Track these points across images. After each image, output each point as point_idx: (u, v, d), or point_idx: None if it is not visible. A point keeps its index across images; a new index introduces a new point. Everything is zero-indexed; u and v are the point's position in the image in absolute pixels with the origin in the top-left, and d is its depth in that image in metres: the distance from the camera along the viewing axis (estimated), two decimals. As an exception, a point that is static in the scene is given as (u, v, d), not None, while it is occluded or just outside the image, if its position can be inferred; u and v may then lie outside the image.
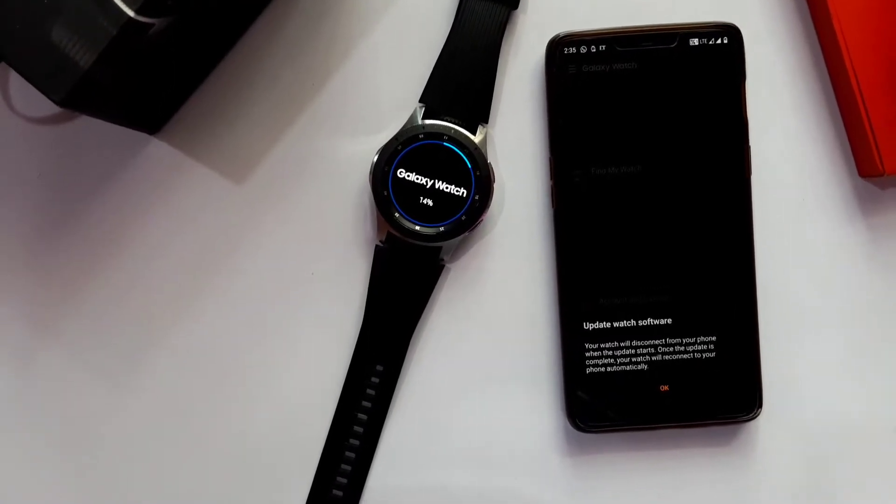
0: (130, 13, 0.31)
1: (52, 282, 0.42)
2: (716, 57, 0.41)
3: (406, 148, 0.40)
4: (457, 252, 0.42)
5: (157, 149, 0.42)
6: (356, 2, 0.42)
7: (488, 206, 0.40)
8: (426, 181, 0.40)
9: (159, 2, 0.32)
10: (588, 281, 0.41)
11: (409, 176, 0.40)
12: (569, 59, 0.41)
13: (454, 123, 0.40)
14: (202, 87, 0.42)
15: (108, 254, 0.42)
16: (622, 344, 0.41)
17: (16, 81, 0.41)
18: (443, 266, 0.41)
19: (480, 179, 0.40)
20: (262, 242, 0.42)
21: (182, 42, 0.36)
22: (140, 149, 0.42)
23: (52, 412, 0.42)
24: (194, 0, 0.34)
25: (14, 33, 0.31)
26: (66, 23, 0.31)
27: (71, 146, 0.42)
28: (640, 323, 0.41)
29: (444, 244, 0.41)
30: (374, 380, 0.42)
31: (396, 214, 0.40)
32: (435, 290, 0.42)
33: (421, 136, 0.40)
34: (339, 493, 0.42)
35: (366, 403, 0.42)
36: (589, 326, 0.41)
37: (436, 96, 0.41)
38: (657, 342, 0.41)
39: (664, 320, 0.41)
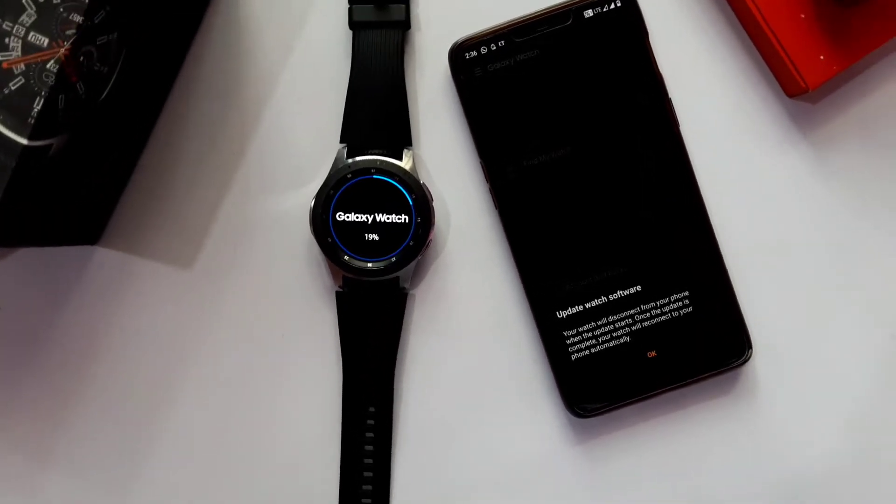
0: (23, 141, 0.31)
1: (38, 411, 0.42)
2: (614, 22, 0.41)
3: (338, 190, 0.40)
4: (416, 277, 0.42)
5: (103, 256, 0.42)
6: (254, 64, 0.42)
7: (433, 226, 0.40)
8: (366, 217, 0.40)
9: (49, 123, 0.32)
10: (550, 271, 0.41)
11: (348, 217, 0.40)
12: (472, 62, 0.41)
13: (379, 154, 0.41)
14: (130, 187, 0.42)
15: (84, 370, 0.42)
16: (599, 323, 0.41)
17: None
18: (406, 294, 0.41)
19: (418, 202, 0.40)
20: (226, 318, 0.42)
21: (90, 151, 0.36)
22: (86, 261, 0.42)
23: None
24: (86, 113, 0.34)
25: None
26: (-37, 167, 0.31)
27: (19, 275, 0.42)
28: (611, 297, 0.41)
29: (401, 273, 0.41)
30: (370, 422, 0.42)
31: (346, 257, 0.40)
32: (405, 319, 0.42)
33: (349, 175, 0.40)
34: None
35: (368, 447, 0.42)
36: (562, 314, 0.41)
37: (355, 133, 0.41)
38: (632, 311, 0.41)
39: (633, 289, 0.41)
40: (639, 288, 0.41)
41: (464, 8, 0.42)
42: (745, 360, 0.41)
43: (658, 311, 0.41)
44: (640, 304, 0.41)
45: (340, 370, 0.42)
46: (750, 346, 0.41)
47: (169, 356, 0.42)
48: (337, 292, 0.41)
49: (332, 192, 0.40)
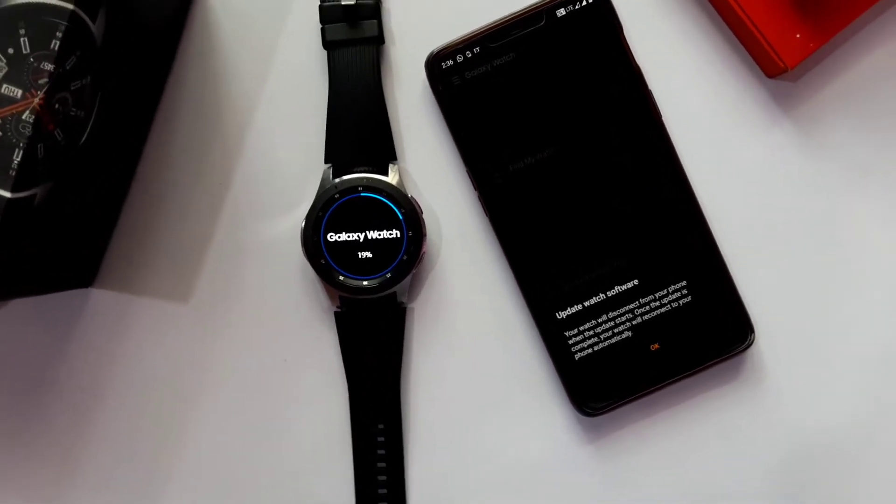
0: (7, 194, 0.31)
1: (45, 459, 0.42)
2: (587, 19, 0.41)
3: (327, 211, 0.40)
4: (412, 290, 0.42)
5: (98, 298, 0.42)
6: (231, 92, 0.42)
7: (425, 238, 0.40)
8: (358, 236, 0.40)
9: (31, 173, 0.32)
10: (546, 272, 0.41)
11: (339, 237, 0.40)
12: (449, 71, 0.41)
13: (365, 172, 0.41)
14: (119, 225, 0.42)
15: (89, 414, 0.42)
16: (599, 320, 0.41)
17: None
18: (404, 309, 0.41)
19: (407, 216, 0.40)
20: (227, 348, 0.42)
21: (76, 195, 0.36)
22: (82, 304, 0.42)
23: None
24: (67, 159, 0.34)
25: None
26: (-52, 226, 0.31)
27: (15, 324, 0.42)
28: (609, 294, 0.41)
29: (397, 288, 0.41)
30: (380, 439, 0.42)
31: (341, 277, 0.40)
32: (406, 333, 0.42)
33: (336, 195, 0.40)
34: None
35: (381, 464, 0.42)
36: (562, 315, 0.41)
37: (338, 152, 0.41)
38: (632, 306, 0.41)
39: (630, 283, 0.41)
40: (636, 282, 0.41)
41: (436, 18, 0.42)
42: (749, 345, 0.41)
43: (657, 304, 0.41)
44: (639, 298, 0.41)
45: (346, 390, 0.42)
46: (752, 331, 0.41)
47: (173, 391, 0.42)
48: (335, 312, 0.41)
49: (320, 213, 0.40)
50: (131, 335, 0.42)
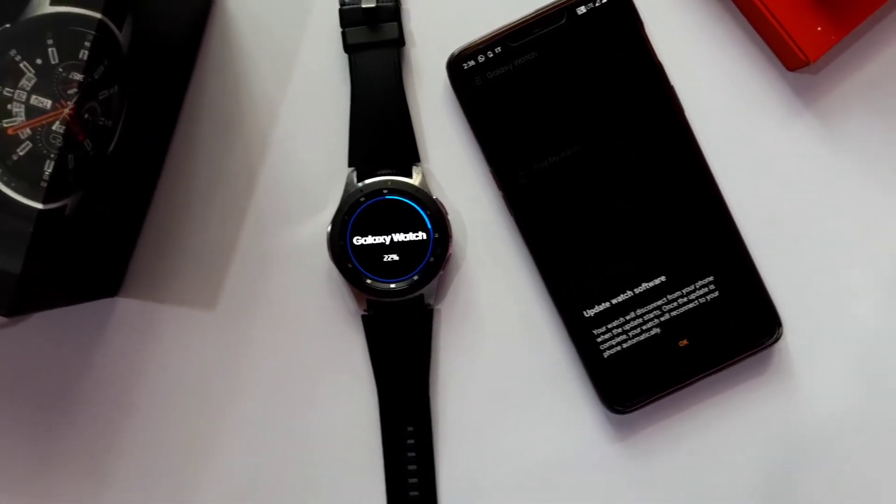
0: (39, 206, 0.31)
1: (75, 468, 0.42)
2: (608, 16, 0.40)
3: (353, 215, 0.40)
4: (439, 292, 0.42)
5: (124, 307, 0.42)
6: (253, 98, 0.42)
7: (451, 239, 0.40)
8: (384, 239, 0.40)
9: (61, 184, 0.32)
10: (572, 271, 0.41)
11: (366, 240, 0.40)
12: (471, 72, 0.41)
13: (389, 174, 0.41)
14: (144, 233, 0.42)
15: (117, 422, 0.42)
16: (627, 317, 0.41)
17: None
18: (431, 310, 0.41)
19: (433, 217, 0.40)
20: (254, 354, 0.42)
21: (103, 205, 0.36)
22: (108, 313, 0.42)
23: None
24: (96, 168, 0.34)
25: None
26: (-19, 239, 0.31)
27: (42, 334, 0.42)
28: (637, 291, 0.41)
29: (424, 290, 0.40)
30: (410, 441, 0.42)
31: (368, 281, 0.40)
32: (433, 335, 0.41)
33: (362, 199, 0.40)
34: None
35: (411, 466, 0.42)
36: (589, 313, 0.41)
37: (362, 156, 0.41)
38: (659, 302, 0.41)
39: (658, 280, 0.41)
40: (663, 278, 0.41)
41: (455, 19, 0.42)
42: (777, 339, 0.41)
43: (685, 300, 0.41)
44: (667, 294, 0.41)
45: (375, 393, 0.42)
46: (780, 324, 0.41)
47: (201, 398, 0.42)
48: (363, 316, 0.41)
49: (346, 217, 0.40)
50: (158, 343, 0.42)
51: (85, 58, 0.31)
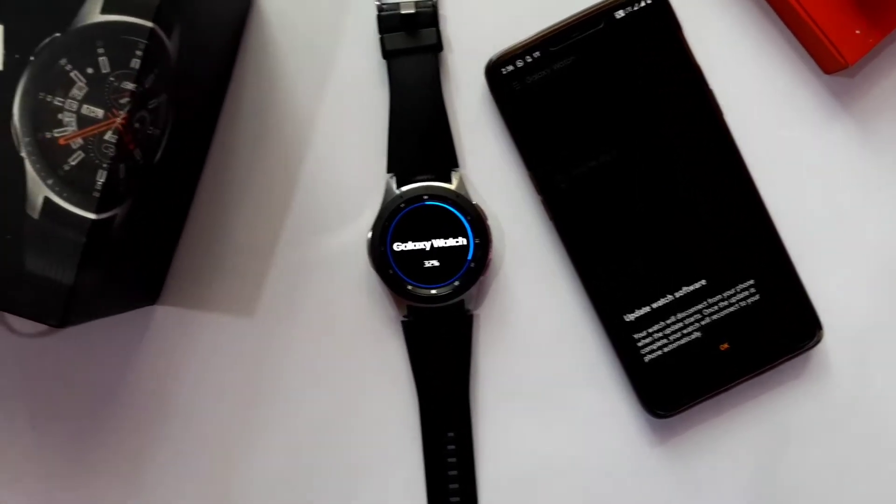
0: (92, 216, 0.31)
1: (117, 476, 0.42)
2: (646, 20, 0.40)
3: (393, 221, 0.40)
4: (478, 297, 0.42)
5: (164, 315, 0.42)
6: (291, 105, 0.42)
7: (491, 244, 0.40)
8: (424, 245, 0.40)
9: (113, 194, 0.32)
10: (612, 275, 0.41)
11: (406, 246, 0.40)
12: (509, 77, 0.41)
13: (428, 180, 0.40)
14: (182, 240, 0.42)
15: (157, 430, 0.42)
16: (668, 322, 0.41)
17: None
18: (471, 316, 0.41)
19: (473, 222, 0.40)
20: (294, 361, 0.42)
21: (149, 213, 0.36)
22: (148, 321, 0.42)
23: None
24: (145, 178, 0.34)
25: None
26: (35, 249, 0.31)
27: (82, 344, 0.42)
28: (677, 295, 0.41)
29: (464, 295, 0.40)
30: (451, 447, 0.41)
31: (409, 287, 0.40)
32: (472, 340, 0.41)
33: (402, 205, 0.40)
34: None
35: (452, 472, 0.41)
36: (630, 317, 0.41)
37: (401, 162, 0.41)
38: (700, 306, 0.41)
39: (698, 284, 0.41)
40: (704, 282, 0.41)
41: (493, 24, 0.42)
42: (817, 342, 0.41)
43: (725, 303, 0.41)
44: (707, 298, 0.41)
45: (415, 399, 0.42)
46: (820, 328, 0.41)
47: (241, 406, 0.42)
48: (403, 322, 0.41)
49: (387, 223, 0.40)
50: (197, 351, 0.42)
51: (136, 66, 0.31)
